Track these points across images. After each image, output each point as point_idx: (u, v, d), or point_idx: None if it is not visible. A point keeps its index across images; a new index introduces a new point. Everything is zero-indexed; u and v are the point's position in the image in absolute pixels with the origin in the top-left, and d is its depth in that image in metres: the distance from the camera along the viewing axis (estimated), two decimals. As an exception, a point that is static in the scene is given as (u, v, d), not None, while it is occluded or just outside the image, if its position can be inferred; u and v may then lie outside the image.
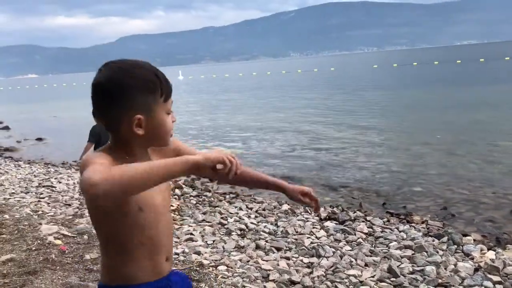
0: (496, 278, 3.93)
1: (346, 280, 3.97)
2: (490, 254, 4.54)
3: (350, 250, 4.73)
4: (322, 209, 6.41)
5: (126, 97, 1.36)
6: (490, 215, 6.05)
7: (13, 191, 7.66)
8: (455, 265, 4.26)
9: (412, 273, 4.14)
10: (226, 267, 4.25)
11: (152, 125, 1.40)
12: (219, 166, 1.31)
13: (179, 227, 5.55)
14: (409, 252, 4.64)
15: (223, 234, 5.30)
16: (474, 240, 5.06)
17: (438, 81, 30.23)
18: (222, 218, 5.94)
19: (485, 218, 5.96)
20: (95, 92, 1.39)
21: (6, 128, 20.44)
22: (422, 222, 5.77)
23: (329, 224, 5.66)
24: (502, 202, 6.50)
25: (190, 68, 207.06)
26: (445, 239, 5.02)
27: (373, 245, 4.94)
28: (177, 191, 7.55)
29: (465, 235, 5.22)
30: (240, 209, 6.47)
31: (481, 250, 4.69)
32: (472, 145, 10.33)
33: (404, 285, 3.87)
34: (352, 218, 5.89)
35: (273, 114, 19.04)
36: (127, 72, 1.37)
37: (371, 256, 4.57)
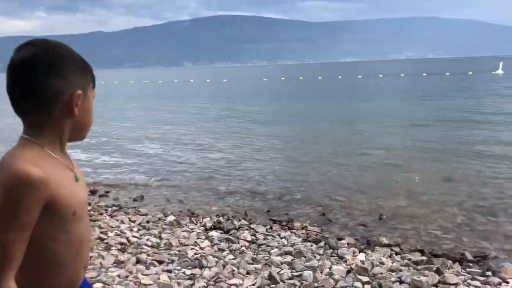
0: (365, 279, 4.23)
1: (227, 290, 3.98)
2: (361, 256, 4.88)
3: (233, 259, 4.76)
4: (207, 218, 6.40)
5: (67, 70, 1.22)
6: (362, 220, 6.52)
7: None
8: (330, 268, 4.50)
9: (291, 278, 4.28)
10: (102, 285, 4.02)
11: (84, 108, 1.27)
12: None
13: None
14: (289, 258, 4.80)
15: (101, 250, 5.02)
16: (348, 243, 5.41)
17: (320, 95, 32.29)
18: (101, 232, 5.63)
19: (358, 223, 6.41)
20: (24, 68, 1.19)
21: None
22: (302, 228, 6.03)
23: (213, 233, 5.66)
24: (373, 207, 7.05)
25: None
26: (322, 243, 5.29)
27: (256, 253, 5.03)
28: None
29: (340, 239, 5.55)
30: (122, 222, 6.19)
31: (353, 253, 5.02)
32: (348, 155, 11.12)
33: (282, 291, 3.99)
34: (237, 226, 5.95)
35: (157, 124, 18.68)
36: (62, 47, 1.25)
37: (253, 264, 4.64)
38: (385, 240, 5.48)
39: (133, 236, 5.50)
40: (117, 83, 73.14)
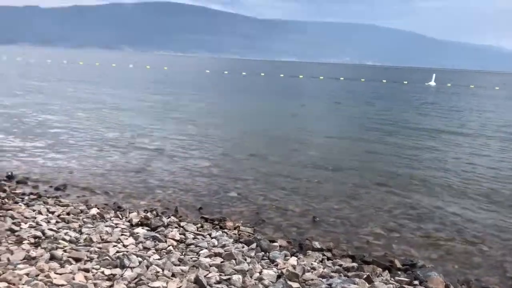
0: (295, 285, 4.08)
1: (149, 294, 3.67)
2: (292, 260, 4.75)
3: (159, 259, 4.45)
4: (134, 213, 6.01)
5: None
6: (296, 221, 6.43)
7: None
8: (260, 272, 4.32)
9: (219, 282, 4.04)
10: (7, 284, 3.57)
11: None
12: None
13: (-48, 235, 4.55)
14: (218, 260, 4.56)
15: (11, 243, 4.51)
16: (280, 246, 5.27)
17: (262, 91, 32.28)
18: (13, 223, 5.08)
19: (291, 224, 6.31)
20: None
21: None
22: (235, 228, 5.82)
23: (140, 230, 5.29)
24: (307, 209, 6.99)
25: (5, 48, 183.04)
26: (254, 245, 5.11)
27: (183, 253, 4.74)
28: (-42, 189, 6.30)
29: (272, 241, 5.40)
30: (39, 213, 5.65)
31: (285, 256, 4.88)
32: (285, 154, 11.08)
33: (209, 296, 3.75)
34: (166, 223, 5.63)
35: (88, 106, 17.76)
36: None
37: (179, 265, 4.36)
38: (317, 244, 5.39)
39: (50, 229, 5.01)
40: (50, 62, 69.15)
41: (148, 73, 51.28)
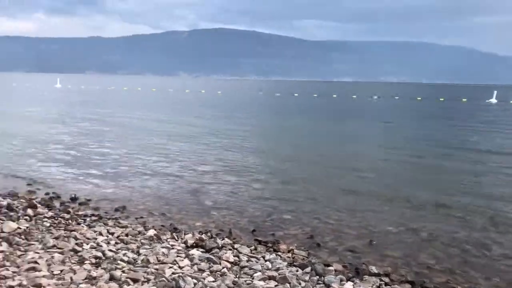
0: (351, 311, 3.96)
1: (203, 317, 3.68)
2: (348, 285, 4.62)
3: (213, 281, 4.47)
4: (190, 235, 6.10)
5: None
6: (352, 245, 6.26)
7: None
8: (315, 297, 4.23)
9: (273, 306, 4.00)
10: (69, 303, 3.72)
11: None
12: None
13: (22, 254, 4.82)
14: (272, 284, 4.52)
15: (74, 263, 4.70)
16: (336, 270, 5.14)
17: (314, 111, 32.15)
18: (77, 244, 5.31)
19: (347, 248, 6.15)
20: None
21: None
22: (289, 251, 5.75)
23: (195, 252, 5.36)
24: (363, 232, 6.80)
25: (71, 77, 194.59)
26: (308, 269, 5.02)
27: (238, 276, 4.74)
28: (29, 211, 6.68)
29: (327, 265, 5.28)
30: (100, 234, 5.87)
31: (340, 281, 4.75)
32: (340, 176, 10.89)
33: (263, 320, 3.70)
34: (220, 245, 5.66)
35: (144, 133, 18.41)
36: None
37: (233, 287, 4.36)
38: (374, 269, 5.21)
39: (110, 250, 5.18)
40: (113, 88, 72.72)
41: (203, 97, 52.58)
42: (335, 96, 62.37)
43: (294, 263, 5.27)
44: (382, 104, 46.53)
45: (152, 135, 17.46)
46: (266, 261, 5.24)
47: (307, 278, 4.78)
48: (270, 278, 4.65)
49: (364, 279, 4.93)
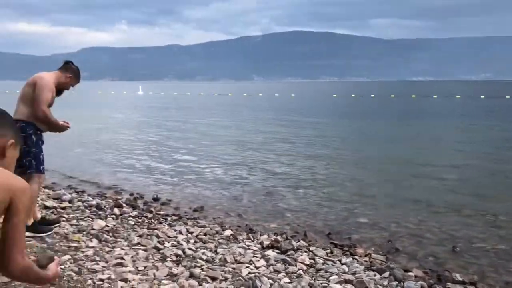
0: (434, 319, 3.79)
1: (279, 317, 3.71)
2: (430, 292, 4.42)
3: (289, 283, 4.49)
4: (265, 236, 6.17)
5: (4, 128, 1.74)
6: (433, 251, 5.98)
7: None
8: (395, 303, 4.10)
9: (350, 310, 3.94)
10: (153, 297, 3.91)
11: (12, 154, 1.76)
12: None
13: (110, 250, 5.15)
14: (349, 287, 4.45)
15: (156, 260, 4.94)
16: (416, 276, 4.95)
17: (392, 114, 31.10)
18: (158, 242, 5.57)
19: (428, 254, 5.89)
20: None
21: None
22: (366, 255, 5.63)
23: (270, 253, 5.41)
24: (445, 237, 6.48)
25: (152, 84, 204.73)
26: (386, 274, 4.88)
27: (313, 278, 4.72)
28: (115, 210, 7.12)
29: (407, 270, 5.10)
30: (180, 233, 6.12)
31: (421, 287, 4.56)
32: (418, 179, 10.45)
33: (340, 323, 3.66)
34: (295, 247, 5.67)
35: (221, 136, 18.84)
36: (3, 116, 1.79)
37: (309, 290, 4.34)
38: (458, 277, 4.94)
39: (189, 249, 5.38)
40: (189, 94, 75.53)
41: (276, 100, 52.91)
42: (413, 96, 59.90)
43: (372, 268, 5.15)
44: (466, 103, 43.94)
45: (225, 140, 17.87)
46: (342, 264, 5.16)
47: (385, 283, 4.65)
48: (347, 281, 4.57)
49: (447, 286, 4.70)
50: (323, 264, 5.16)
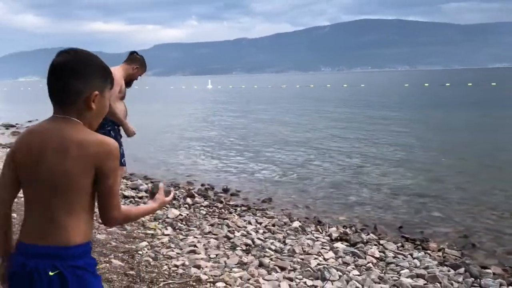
0: (513, 319, 3.61)
1: (348, 308, 3.72)
2: (510, 291, 4.21)
3: (358, 275, 4.46)
4: (334, 228, 6.16)
5: (89, 75, 1.61)
6: (513, 247, 5.66)
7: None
8: (471, 300, 3.95)
9: (422, 305, 3.85)
10: (224, 284, 4.06)
11: (100, 104, 1.65)
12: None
13: (184, 238, 5.40)
14: (421, 282, 4.34)
15: (227, 249, 5.11)
16: (494, 273, 4.72)
17: (469, 103, 29.38)
18: (229, 231, 5.76)
19: (508, 251, 5.58)
20: (61, 68, 1.58)
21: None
22: (439, 250, 5.44)
23: (339, 245, 5.40)
24: (527, 234, 6.09)
25: (221, 78, 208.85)
26: (461, 270, 4.70)
27: (383, 271, 4.66)
28: (188, 200, 7.42)
29: (484, 267, 4.88)
30: (249, 223, 6.27)
31: (500, 285, 4.36)
32: (497, 171, 9.86)
33: (411, 318, 3.60)
34: (365, 240, 5.61)
35: (289, 127, 18.84)
36: (88, 56, 1.65)
37: (379, 283, 4.29)
38: (542, 276, 4.65)
39: (258, 238, 5.50)
40: (257, 87, 76.22)
41: (344, 92, 51.92)
42: (494, 84, 56.14)
43: (445, 263, 4.98)
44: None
45: (292, 130, 17.88)
46: (414, 258, 5.04)
47: (460, 279, 4.48)
48: (419, 276, 4.46)
49: (529, 285, 4.44)
50: (394, 257, 5.07)
